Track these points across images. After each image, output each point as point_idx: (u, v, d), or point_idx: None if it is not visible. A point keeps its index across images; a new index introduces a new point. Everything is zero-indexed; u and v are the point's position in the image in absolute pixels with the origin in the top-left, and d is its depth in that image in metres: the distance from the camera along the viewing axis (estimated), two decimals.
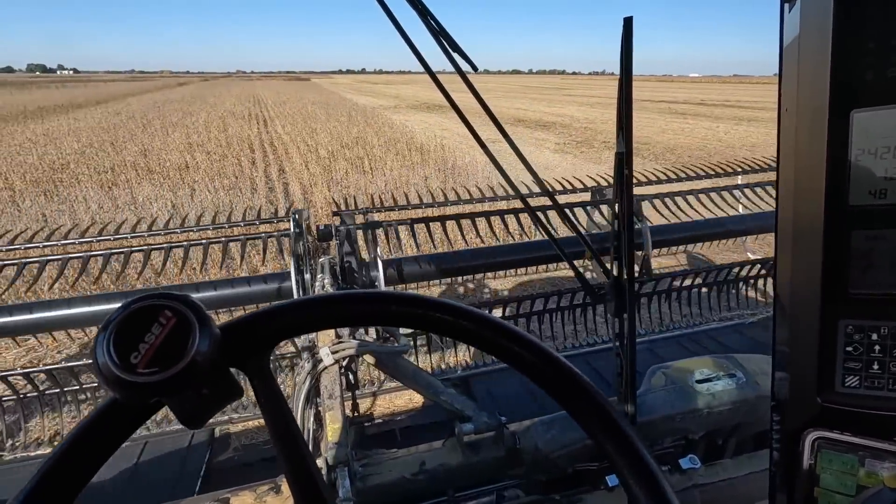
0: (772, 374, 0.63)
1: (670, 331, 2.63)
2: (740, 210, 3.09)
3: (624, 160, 0.77)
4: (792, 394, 0.60)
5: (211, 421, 1.93)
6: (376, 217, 2.52)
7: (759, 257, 2.98)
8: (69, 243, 2.26)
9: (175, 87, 48.98)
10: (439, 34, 0.73)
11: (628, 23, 0.71)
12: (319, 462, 1.03)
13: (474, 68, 0.77)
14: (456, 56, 0.74)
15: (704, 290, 2.71)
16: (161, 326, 0.35)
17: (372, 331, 1.37)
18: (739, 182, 3.14)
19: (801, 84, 0.53)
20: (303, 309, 0.44)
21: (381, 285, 2.08)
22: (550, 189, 0.90)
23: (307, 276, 1.97)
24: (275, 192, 6.82)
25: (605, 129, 15.60)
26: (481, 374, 2.28)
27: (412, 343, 2.30)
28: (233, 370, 0.41)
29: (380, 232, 2.42)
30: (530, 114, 20.09)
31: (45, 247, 2.23)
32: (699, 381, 1.15)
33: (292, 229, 2.08)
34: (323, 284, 1.75)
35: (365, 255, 2.29)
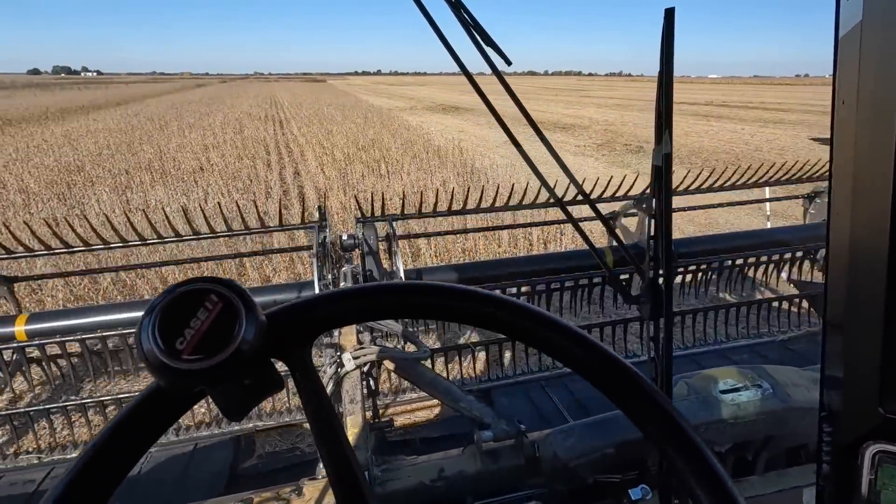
0: (821, 382, 0.62)
1: (696, 346, 2.52)
2: (769, 225, 2.96)
3: (664, 161, 0.75)
4: (847, 405, 0.58)
5: (235, 427, 1.94)
6: (400, 229, 2.43)
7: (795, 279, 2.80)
8: (98, 249, 2.21)
9: (193, 88, 49.56)
10: (472, 28, 0.71)
11: (670, 14, 0.68)
12: None
13: (508, 62, 0.75)
14: (489, 51, 0.71)
15: (733, 309, 2.58)
16: (207, 312, 0.34)
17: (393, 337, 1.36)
18: (768, 195, 3.01)
19: (863, 74, 0.51)
20: (351, 298, 0.43)
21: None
22: (587, 193, 0.90)
23: (330, 286, 2.00)
24: (289, 195, 6.64)
25: (625, 131, 15.25)
26: (502, 387, 2.24)
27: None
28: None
29: (403, 241, 2.35)
30: (548, 115, 19.79)
31: (77, 251, 2.20)
32: (724, 392, 1.12)
33: (316, 239, 2.09)
34: None
35: (387, 264, 2.28)
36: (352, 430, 1.13)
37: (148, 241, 2.19)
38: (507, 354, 2.47)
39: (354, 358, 1.26)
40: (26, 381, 2.27)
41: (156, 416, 0.38)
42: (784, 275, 2.78)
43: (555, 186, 0.85)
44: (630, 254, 0.89)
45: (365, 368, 1.31)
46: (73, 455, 2.01)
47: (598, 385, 0.41)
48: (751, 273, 2.75)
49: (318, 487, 1.05)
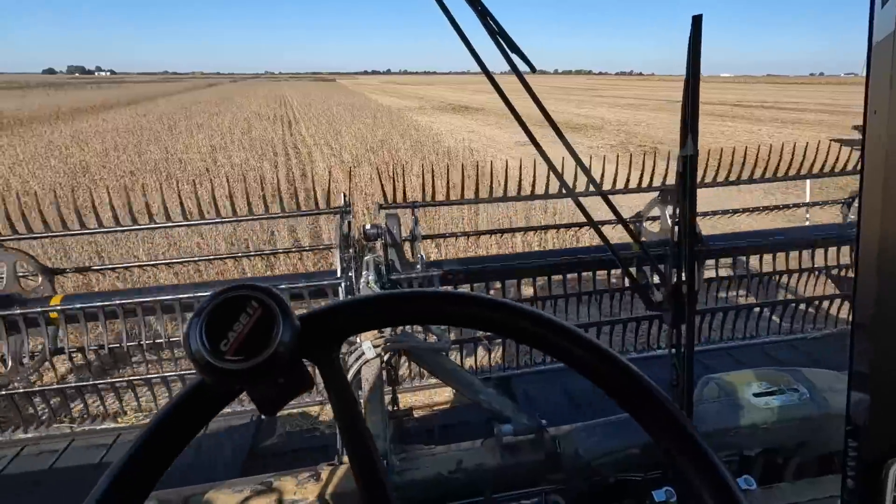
0: (847, 393, 0.60)
1: (723, 342, 2.46)
2: (807, 222, 2.88)
3: (687, 162, 0.75)
4: (873, 418, 0.56)
5: (249, 409, 1.94)
6: (423, 229, 2.52)
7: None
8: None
9: (204, 87, 49.76)
10: (497, 34, 0.72)
11: (697, 22, 0.68)
12: None
13: (532, 69, 0.75)
14: (514, 56, 0.72)
15: (760, 305, 2.53)
16: (248, 316, 0.37)
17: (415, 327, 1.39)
18: (808, 197, 2.97)
19: None
20: (380, 305, 0.44)
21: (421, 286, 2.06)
22: (608, 196, 0.88)
23: (351, 274, 2.01)
24: (295, 199, 6.47)
25: (639, 131, 14.95)
26: (521, 375, 2.21)
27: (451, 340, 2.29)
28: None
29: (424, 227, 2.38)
30: (560, 115, 19.49)
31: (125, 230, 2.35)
32: (756, 395, 1.08)
33: (339, 225, 2.13)
34: (367, 281, 1.78)
35: (410, 256, 2.32)
36: (371, 419, 1.14)
37: (178, 223, 2.35)
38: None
39: (375, 346, 1.26)
40: (70, 360, 2.37)
41: (198, 409, 0.41)
42: (823, 274, 2.68)
43: (574, 186, 0.83)
44: (651, 257, 0.89)
45: (385, 357, 1.32)
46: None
47: (613, 397, 0.42)
48: (786, 270, 2.65)
49: (336, 472, 1.05)
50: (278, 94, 35.30)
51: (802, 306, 2.55)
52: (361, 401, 1.21)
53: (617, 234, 3.91)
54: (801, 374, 1.13)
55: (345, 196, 2.27)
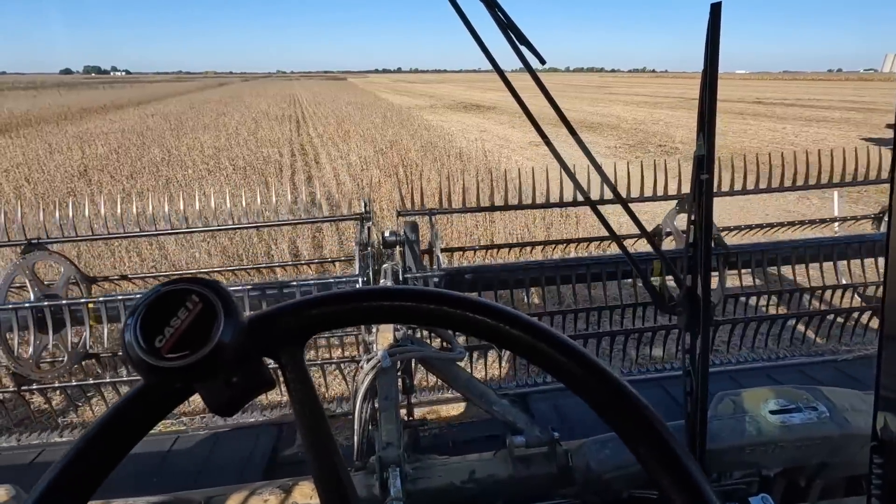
0: (874, 412, 0.59)
1: (746, 362, 2.33)
2: (836, 230, 2.76)
3: (704, 162, 0.73)
4: None
5: (277, 414, 2.02)
6: (441, 238, 2.48)
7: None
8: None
9: (216, 87, 49.85)
10: (507, 27, 0.70)
11: (716, 10, 0.66)
12: (372, 460, 1.07)
13: (542, 61, 0.73)
14: (524, 50, 0.71)
15: (790, 320, 2.44)
16: (188, 311, 0.35)
17: (429, 335, 1.55)
18: (836, 212, 2.81)
19: None
20: (334, 303, 0.42)
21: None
22: (629, 205, 0.82)
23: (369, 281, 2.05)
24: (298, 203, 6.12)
25: (656, 130, 14.45)
26: (539, 393, 2.22)
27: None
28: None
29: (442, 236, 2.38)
30: (574, 114, 19.01)
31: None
32: (773, 412, 1.05)
33: (359, 231, 2.15)
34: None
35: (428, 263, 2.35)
36: (385, 427, 1.15)
37: (195, 229, 2.36)
38: None
39: (391, 355, 1.27)
40: (98, 362, 2.37)
41: (143, 412, 0.39)
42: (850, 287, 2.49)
43: (588, 188, 0.82)
44: (664, 256, 0.89)
45: (401, 366, 1.32)
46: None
47: (581, 395, 0.41)
48: (813, 283, 2.50)
49: (356, 477, 1.06)
50: (288, 93, 35.14)
51: (831, 317, 2.40)
52: (376, 409, 1.24)
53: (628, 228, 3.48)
54: (821, 393, 1.10)
55: (365, 203, 2.27)
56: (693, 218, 0.80)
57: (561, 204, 2.50)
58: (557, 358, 0.40)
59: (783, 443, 1.01)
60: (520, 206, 2.60)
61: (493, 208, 2.64)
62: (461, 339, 2.54)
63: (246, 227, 2.45)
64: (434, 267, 2.19)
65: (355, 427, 1.26)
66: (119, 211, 2.38)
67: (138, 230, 2.38)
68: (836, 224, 2.85)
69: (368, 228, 2.19)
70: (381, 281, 1.86)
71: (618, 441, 1.09)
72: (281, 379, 0.43)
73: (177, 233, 2.46)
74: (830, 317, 2.34)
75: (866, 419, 0.99)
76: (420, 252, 2.21)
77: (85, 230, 2.36)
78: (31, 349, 2.10)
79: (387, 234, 2.12)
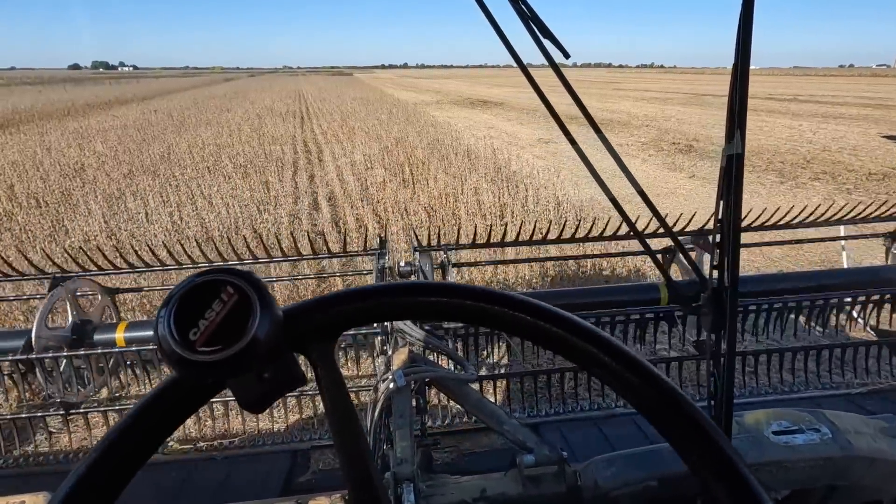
0: None
1: (758, 395, 2.28)
2: (845, 262, 2.70)
3: (734, 157, 0.70)
4: None
5: (291, 441, 2.04)
6: (456, 256, 2.61)
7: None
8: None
9: (221, 82, 49.70)
10: (530, 19, 0.69)
11: (748, 2, 0.63)
12: (387, 476, 1.10)
13: (566, 55, 0.71)
14: (547, 44, 0.70)
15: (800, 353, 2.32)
16: (222, 303, 0.34)
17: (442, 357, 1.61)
18: (842, 233, 2.72)
19: None
20: (371, 297, 0.41)
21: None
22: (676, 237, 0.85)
23: None
24: (299, 219, 5.84)
25: (668, 127, 14.07)
26: (548, 423, 2.18)
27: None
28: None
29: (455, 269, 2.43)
30: None
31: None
32: (776, 433, 1.07)
33: (375, 265, 2.25)
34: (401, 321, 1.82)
35: None
36: (400, 444, 1.17)
37: (218, 265, 2.32)
38: (568, 385, 2.39)
39: (406, 375, 1.31)
40: (120, 383, 2.47)
41: (174, 407, 0.37)
42: (861, 320, 2.42)
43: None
44: (686, 252, 0.86)
45: (415, 386, 1.37)
46: None
47: (637, 406, 0.39)
48: (822, 315, 2.41)
49: None
50: (294, 88, 34.87)
51: (837, 357, 2.32)
52: (391, 427, 1.26)
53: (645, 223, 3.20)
54: (822, 415, 1.12)
55: (381, 238, 2.40)
56: (720, 215, 0.79)
57: (599, 238, 2.42)
58: (611, 365, 0.38)
59: (787, 463, 1.02)
60: (543, 241, 2.50)
61: (514, 243, 2.59)
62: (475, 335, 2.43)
63: (266, 262, 2.49)
64: None
65: (370, 444, 1.29)
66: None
67: (159, 264, 2.41)
68: (845, 256, 2.75)
69: (384, 265, 2.26)
70: None
71: (624, 459, 1.04)
72: (311, 376, 0.41)
73: (197, 266, 2.45)
74: (839, 350, 2.26)
75: (868, 442, 1.02)
76: (435, 279, 2.32)
77: (112, 256, 2.48)
78: (72, 376, 2.18)
79: (402, 264, 2.21)
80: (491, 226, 3.50)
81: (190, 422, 2.16)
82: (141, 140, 10.31)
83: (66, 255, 2.56)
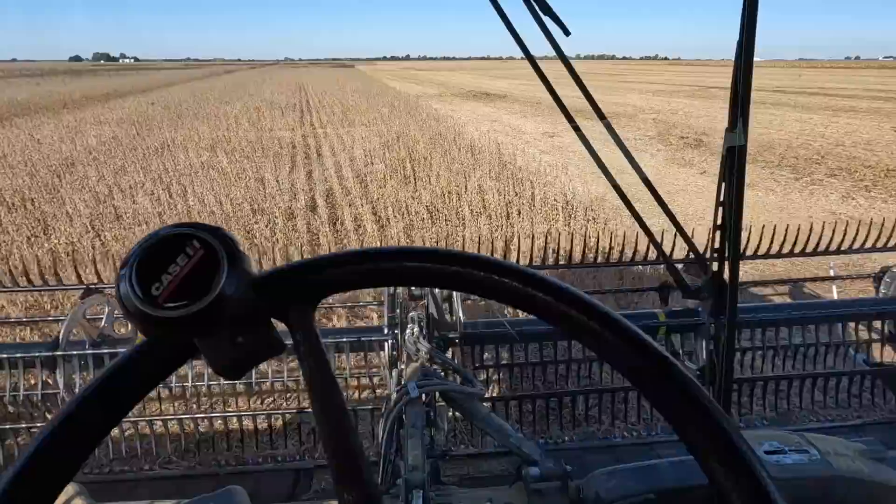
0: None
1: (748, 428, 2.24)
2: (835, 294, 2.68)
3: (736, 150, 0.73)
4: None
5: (293, 462, 2.02)
6: None
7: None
8: None
9: (222, 74, 49.30)
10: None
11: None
12: (398, 482, 1.13)
13: (566, 32, 0.75)
14: (548, 22, 0.73)
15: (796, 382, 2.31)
16: (188, 258, 0.33)
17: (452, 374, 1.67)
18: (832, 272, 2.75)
19: None
20: (351, 261, 0.40)
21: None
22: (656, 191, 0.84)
23: (397, 332, 2.07)
24: (295, 218, 5.59)
25: (676, 120, 13.76)
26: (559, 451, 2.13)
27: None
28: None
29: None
30: (588, 103, 18.26)
31: None
32: (768, 452, 1.12)
33: (386, 290, 2.18)
34: (413, 335, 1.81)
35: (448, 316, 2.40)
36: (412, 453, 1.19)
37: None
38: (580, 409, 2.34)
39: (419, 387, 1.35)
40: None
41: (142, 372, 0.36)
42: (852, 351, 2.39)
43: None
44: (691, 240, 0.92)
45: (426, 398, 1.41)
46: None
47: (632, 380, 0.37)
48: (812, 348, 2.42)
49: None
50: (295, 80, 34.49)
51: (832, 390, 2.35)
52: (402, 437, 1.28)
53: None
54: (807, 438, 1.16)
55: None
56: (722, 199, 0.83)
57: (619, 264, 2.37)
58: (603, 333, 0.36)
59: (778, 482, 0.88)
60: (556, 266, 2.43)
61: (526, 268, 2.65)
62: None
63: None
64: (453, 318, 2.18)
65: (381, 452, 1.30)
66: None
67: None
68: (835, 287, 2.76)
69: (395, 289, 2.21)
70: (409, 326, 1.85)
71: (625, 472, 1.07)
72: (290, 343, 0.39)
73: None
74: (834, 381, 2.27)
75: (849, 463, 1.08)
76: (441, 301, 2.22)
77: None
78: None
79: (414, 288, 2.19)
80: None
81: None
82: (136, 134, 10.04)
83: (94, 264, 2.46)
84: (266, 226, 4.69)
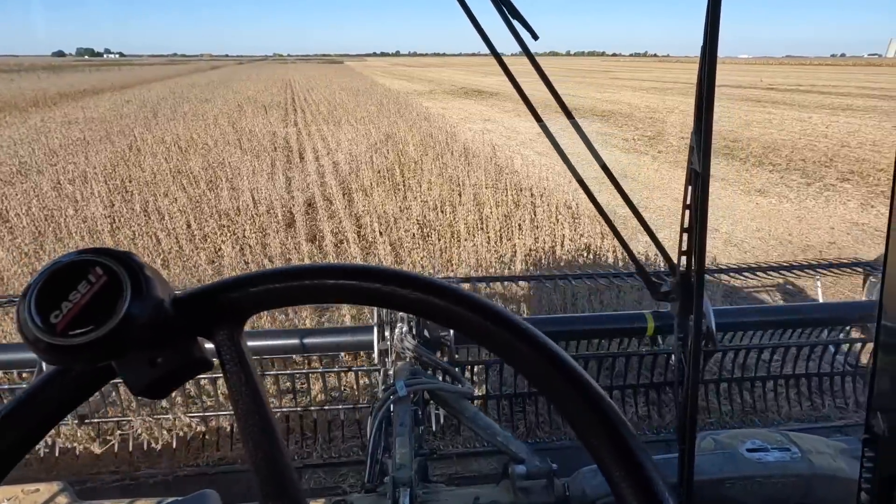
0: (866, 409, 0.62)
1: (732, 427, 2.25)
2: (820, 297, 2.63)
3: (701, 144, 0.70)
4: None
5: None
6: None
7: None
8: None
9: (207, 70, 48.20)
10: (500, 1, 0.70)
11: None
12: (385, 481, 1.13)
13: (535, 37, 0.73)
14: (517, 26, 0.71)
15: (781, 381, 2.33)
16: (90, 285, 0.32)
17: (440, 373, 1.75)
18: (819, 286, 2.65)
19: None
20: (277, 279, 0.39)
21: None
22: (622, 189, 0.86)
23: (387, 333, 2.02)
24: (273, 211, 5.04)
25: (672, 119, 13.38)
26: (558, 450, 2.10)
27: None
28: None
29: None
30: (582, 101, 17.86)
31: None
32: (750, 450, 1.14)
33: (376, 342, 2.19)
34: (403, 334, 1.80)
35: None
36: (400, 451, 1.19)
37: None
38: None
39: (408, 386, 1.35)
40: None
41: (58, 397, 0.36)
42: (836, 354, 2.39)
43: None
44: (656, 237, 0.90)
45: (414, 397, 1.40)
46: None
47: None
48: (796, 351, 2.40)
49: (364, 501, 1.12)
50: (281, 77, 33.66)
51: (816, 392, 2.38)
52: (391, 436, 1.27)
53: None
54: (790, 437, 1.17)
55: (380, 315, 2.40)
56: (688, 202, 0.79)
57: (609, 275, 2.41)
58: (517, 345, 0.36)
59: (760, 478, 1.09)
60: (554, 276, 2.44)
61: (507, 278, 2.72)
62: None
63: None
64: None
65: (369, 451, 1.30)
66: None
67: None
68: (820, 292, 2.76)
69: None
70: (399, 325, 1.82)
71: None
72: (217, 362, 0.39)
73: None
74: (816, 380, 2.33)
75: (829, 461, 1.15)
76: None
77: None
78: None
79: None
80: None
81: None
82: (105, 136, 9.38)
83: None
84: (233, 247, 4.15)
